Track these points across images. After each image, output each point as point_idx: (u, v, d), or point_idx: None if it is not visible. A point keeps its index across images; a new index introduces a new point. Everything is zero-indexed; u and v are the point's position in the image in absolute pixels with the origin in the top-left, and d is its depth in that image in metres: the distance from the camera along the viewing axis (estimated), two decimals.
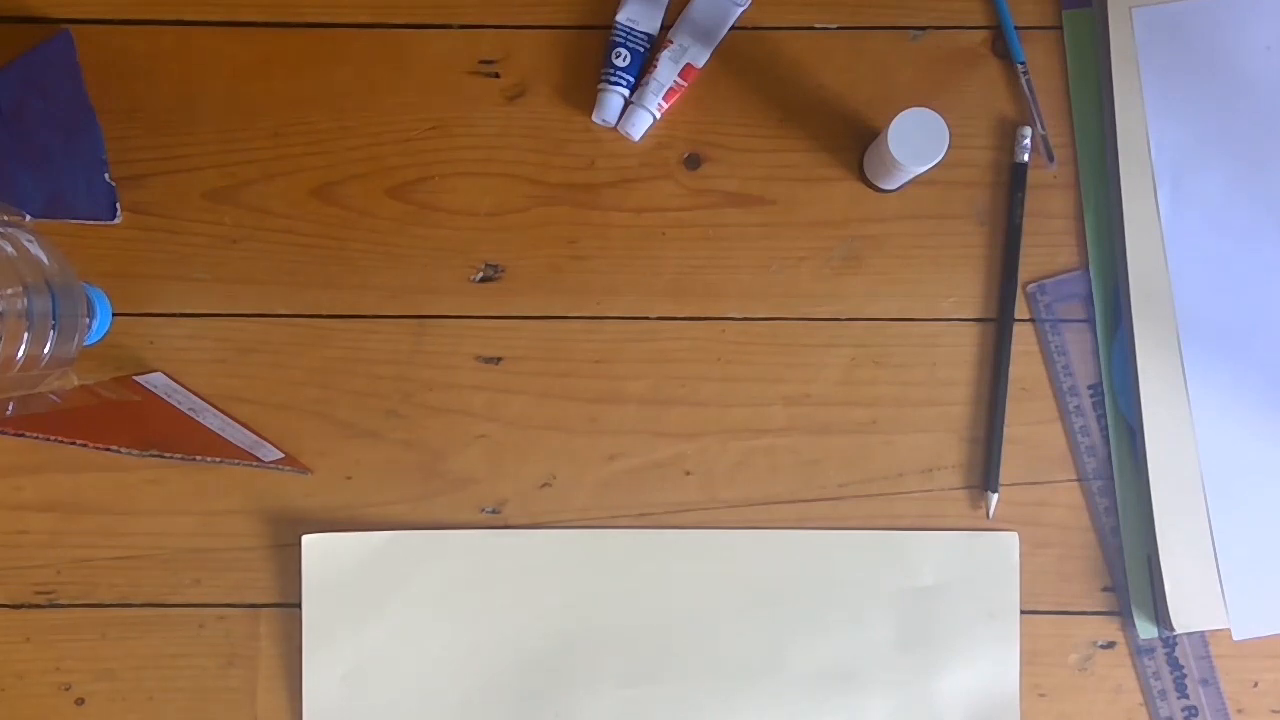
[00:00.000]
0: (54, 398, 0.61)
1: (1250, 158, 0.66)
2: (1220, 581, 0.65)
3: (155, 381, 0.64)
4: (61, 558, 0.66)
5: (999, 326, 0.66)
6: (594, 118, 0.66)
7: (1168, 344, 0.65)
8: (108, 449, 0.64)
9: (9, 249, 0.57)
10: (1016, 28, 0.67)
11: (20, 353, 0.56)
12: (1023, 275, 0.66)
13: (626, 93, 0.66)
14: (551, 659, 0.65)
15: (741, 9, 0.67)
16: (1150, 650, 0.65)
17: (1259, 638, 0.65)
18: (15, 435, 0.62)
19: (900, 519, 0.66)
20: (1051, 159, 0.67)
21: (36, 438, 0.62)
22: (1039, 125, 0.66)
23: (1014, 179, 0.66)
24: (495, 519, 0.66)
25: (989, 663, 0.65)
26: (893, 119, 0.60)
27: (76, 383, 0.62)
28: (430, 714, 0.65)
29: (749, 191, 0.67)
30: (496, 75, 0.67)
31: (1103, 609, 0.66)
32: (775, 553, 0.65)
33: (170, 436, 0.64)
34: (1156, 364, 0.65)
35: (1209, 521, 0.65)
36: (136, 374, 0.64)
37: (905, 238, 0.67)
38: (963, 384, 0.66)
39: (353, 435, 0.66)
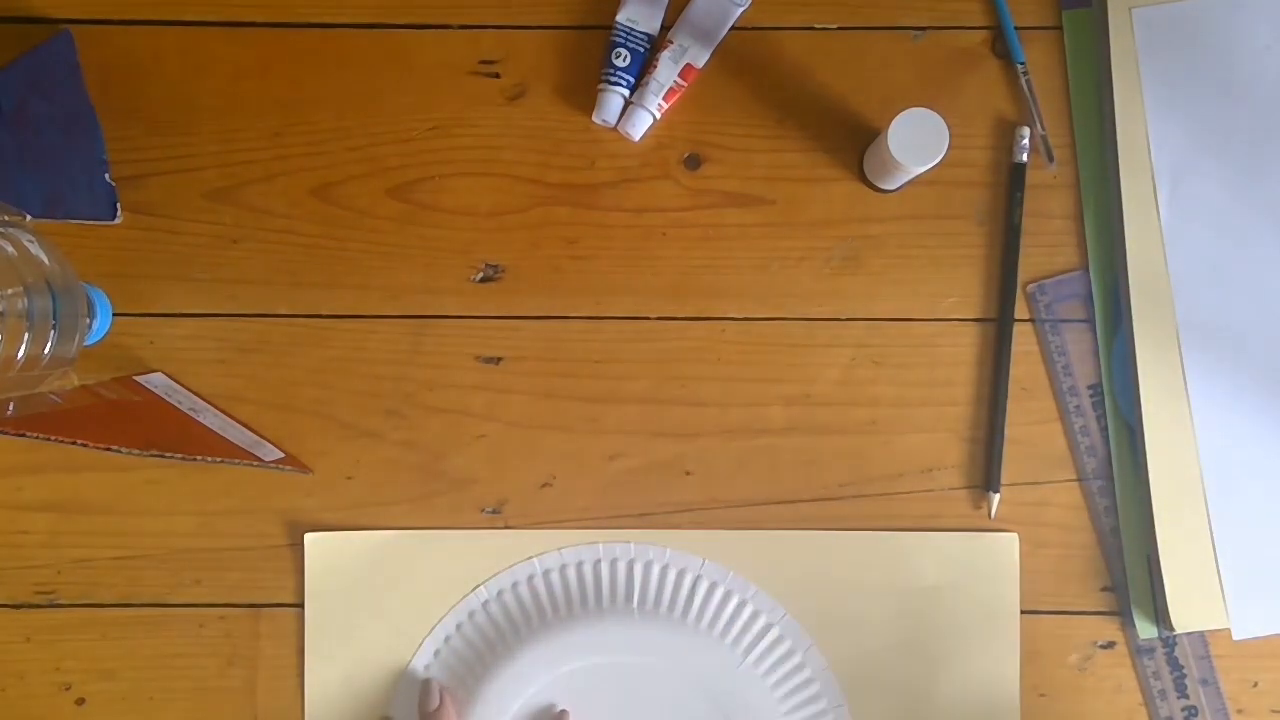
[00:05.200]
0: (54, 398, 0.61)
1: (1250, 157, 0.66)
2: (1220, 581, 0.65)
3: (155, 381, 0.64)
4: (62, 558, 0.66)
5: (999, 326, 0.66)
6: (594, 118, 0.66)
7: (1167, 344, 0.65)
8: (108, 449, 0.64)
9: (9, 249, 0.57)
10: (1016, 28, 0.67)
11: (21, 353, 0.56)
12: (1023, 275, 0.66)
13: (626, 93, 0.66)
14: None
15: (741, 9, 0.67)
16: (1150, 650, 0.65)
17: (1259, 637, 0.65)
18: (16, 435, 0.62)
19: (900, 519, 0.66)
20: (1051, 159, 0.67)
21: (37, 438, 0.62)
22: (1039, 125, 0.66)
23: (1013, 179, 0.66)
24: (495, 519, 0.66)
25: (989, 663, 0.65)
26: (893, 119, 0.60)
27: (77, 383, 0.62)
28: None
29: (749, 191, 0.67)
30: (496, 75, 0.67)
31: (1102, 609, 0.66)
32: (775, 553, 0.65)
33: (170, 436, 0.64)
34: (1156, 364, 0.65)
35: (1209, 521, 0.65)
36: (137, 374, 0.64)
37: (905, 238, 0.67)
38: (963, 384, 0.66)
39: (353, 435, 0.66)
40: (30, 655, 0.66)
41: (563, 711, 0.63)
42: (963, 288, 0.67)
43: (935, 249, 0.67)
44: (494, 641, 0.65)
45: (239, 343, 0.66)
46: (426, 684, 0.64)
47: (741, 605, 0.65)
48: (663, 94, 0.65)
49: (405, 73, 0.67)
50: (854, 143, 0.67)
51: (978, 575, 0.65)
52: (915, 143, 0.60)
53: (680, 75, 0.66)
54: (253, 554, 0.66)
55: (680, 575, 0.65)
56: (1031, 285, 0.66)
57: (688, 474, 0.66)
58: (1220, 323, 0.65)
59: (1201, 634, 0.65)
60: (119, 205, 0.66)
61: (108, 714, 0.66)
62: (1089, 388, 0.66)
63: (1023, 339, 0.66)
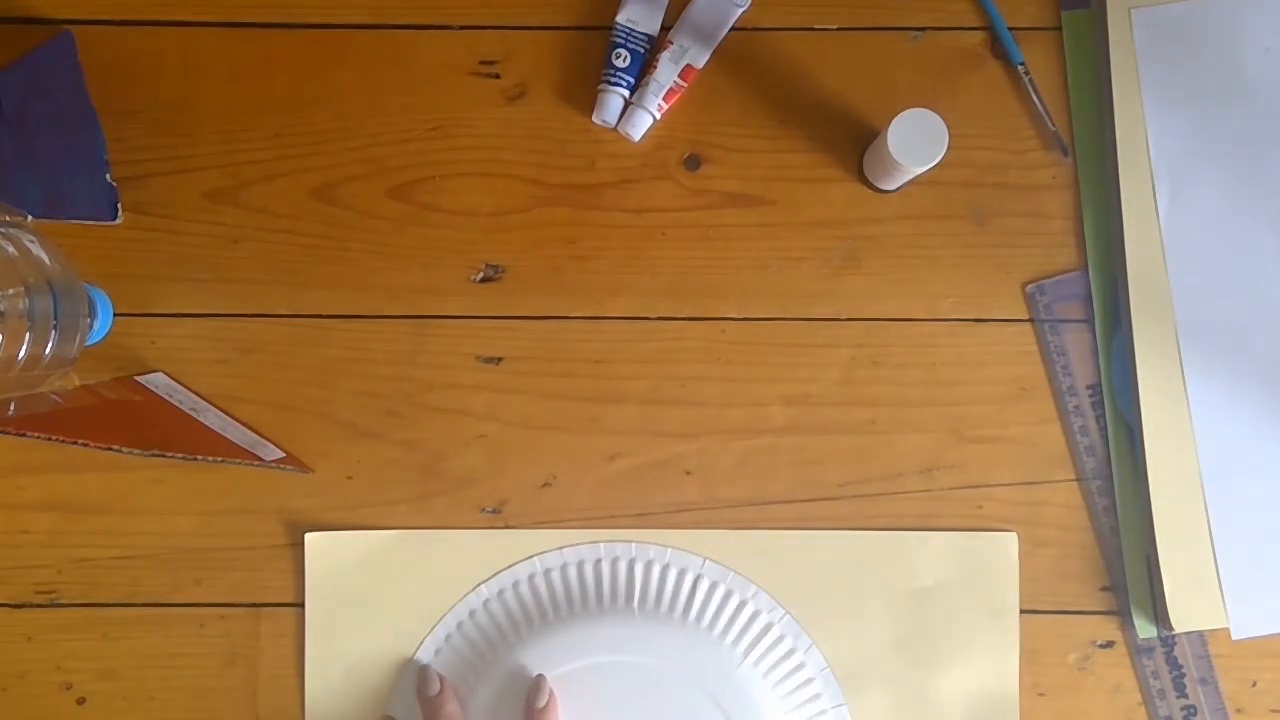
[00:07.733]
0: (55, 398, 0.61)
1: (1249, 158, 0.66)
2: (1219, 581, 0.65)
3: (156, 381, 0.64)
4: (63, 557, 0.66)
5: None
6: (594, 118, 0.66)
7: (1167, 344, 0.65)
8: (109, 448, 0.64)
9: (11, 249, 0.57)
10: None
11: (22, 353, 0.56)
12: (1022, 275, 0.67)
13: (626, 93, 0.66)
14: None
15: (741, 9, 0.67)
16: (1149, 650, 0.66)
17: (1258, 637, 0.65)
18: (17, 435, 0.62)
19: (900, 519, 0.66)
20: (1066, 153, 0.66)
21: (38, 437, 0.62)
22: (1048, 121, 0.66)
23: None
24: (495, 519, 0.66)
25: (988, 662, 0.65)
26: (892, 119, 0.60)
27: (78, 382, 0.62)
28: None
29: (749, 191, 0.67)
30: (496, 75, 0.67)
31: (1102, 609, 0.66)
32: (775, 553, 0.65)
33: (171, 436, 0.65)
34: (1155, 364, 0.65)
35: (1208, 521, 0.65)
36: (137, 374, 0.64)
37: (905, 238, 0.67)
38: (963, 384, 0.66)
39: (353, 435, 0.66)
40: (31, 655, 0.66)
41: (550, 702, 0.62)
42: (963, 288, 0.67)
43: (935, 249, 0.67)
44: (494, 641, 0.65)
45: (239, 343, 0.66)
46: (424, 670, 0.64)
47: (742, 605, 0.65)
48: (663, 94, 0.65)
49: (405, 73, 0.67)
50: (854, 143, 0.67)
51: (977, 575, 0.65)
52: (915, 143, 0.60)
53: (680, 76, 0.66)
54: (253, 554, 0.66)
55: (681, 575, 0.65)
56: (1031, 285, 0.67)
57: (688, 474, 0.66)
58: (1220, 322, 0.65)
59: (1201, 634, 0.65)
60: (120, 205, 0.66)
61: (108, 713, 0.66)
62: (1088, 388, 0.66)
63: (1022, 339, 0.66)
